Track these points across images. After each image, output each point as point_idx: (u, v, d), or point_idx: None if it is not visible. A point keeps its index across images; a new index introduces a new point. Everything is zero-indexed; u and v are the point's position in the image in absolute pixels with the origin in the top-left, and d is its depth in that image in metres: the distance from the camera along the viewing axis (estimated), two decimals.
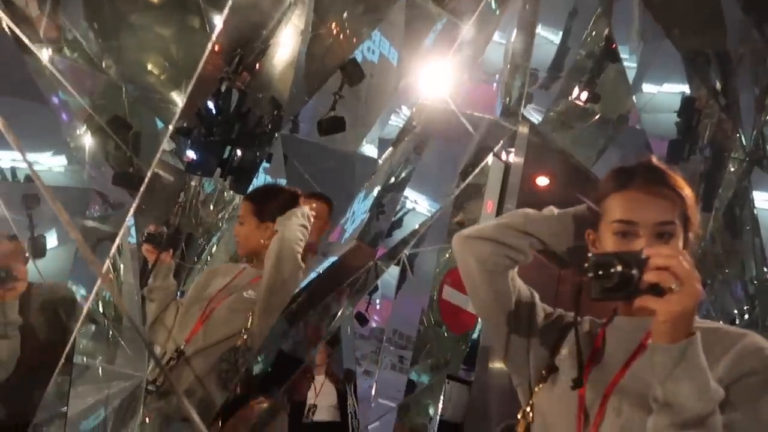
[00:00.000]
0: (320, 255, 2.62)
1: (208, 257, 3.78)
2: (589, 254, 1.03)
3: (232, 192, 3.59)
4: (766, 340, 1.01)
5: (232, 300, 2.15)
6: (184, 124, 2.97)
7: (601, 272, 0.94)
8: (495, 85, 3.58)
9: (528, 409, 1.15)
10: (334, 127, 3.36)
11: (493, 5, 3.52)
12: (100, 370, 2.37)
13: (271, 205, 2.19)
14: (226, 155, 3.04)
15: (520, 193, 2.93)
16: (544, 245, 1.17)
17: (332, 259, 2.73)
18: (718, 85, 3.21)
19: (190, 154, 3.00)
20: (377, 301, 3.80)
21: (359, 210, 3.38)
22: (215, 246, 3.83)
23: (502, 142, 3.05)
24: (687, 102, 3.18)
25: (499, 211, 2.85)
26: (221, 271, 2.31)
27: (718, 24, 3.10)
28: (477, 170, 2.96)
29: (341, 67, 3.45)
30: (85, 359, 2.32)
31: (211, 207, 3.80)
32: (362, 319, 3.71)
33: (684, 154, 3.06)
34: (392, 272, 3.66)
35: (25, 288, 2.09)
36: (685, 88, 3.28)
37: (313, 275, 2.53)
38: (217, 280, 2.25)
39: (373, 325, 3.81)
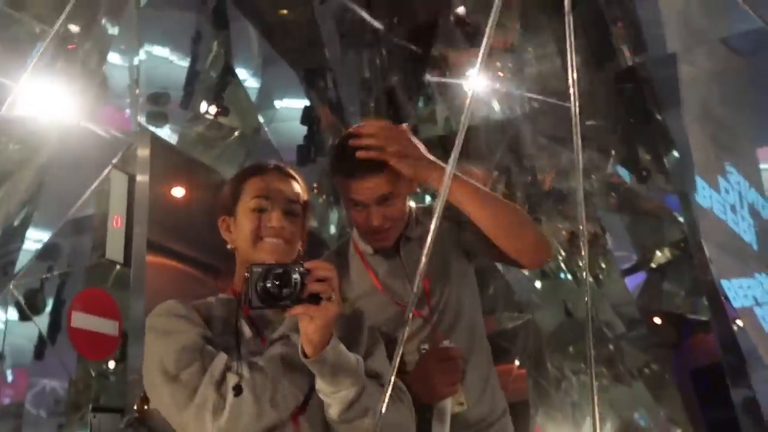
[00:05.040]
0: None
1: None
2: (251, 266, 0.97)
3: None
4: None
5: None
6: None
7: (264, 282, 0.92)
8: (127, 110, 3.45)
9: None
10: None
11: (109, 29, 3.40)
12: None
13: None
14: None
15: (158, 206, 2.80)
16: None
17: None
18: (333, 97, 3.65)
19: None
20: (8, 372, 3.15)
21: None
22: None
23: (121, 153, 2.89)
24: (307, 111, 3.53)
25: (129, 225, 2.67)
26: None
27: (321, 46, 3.56)
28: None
29: None
30: None
31: None
32: None
33: (311, 157, 3.38)
34: (28, 335, 3.13)
35: None
36: (305, 102, 3.63)
37: None
38: None
39: (6, 401, 3.14)
